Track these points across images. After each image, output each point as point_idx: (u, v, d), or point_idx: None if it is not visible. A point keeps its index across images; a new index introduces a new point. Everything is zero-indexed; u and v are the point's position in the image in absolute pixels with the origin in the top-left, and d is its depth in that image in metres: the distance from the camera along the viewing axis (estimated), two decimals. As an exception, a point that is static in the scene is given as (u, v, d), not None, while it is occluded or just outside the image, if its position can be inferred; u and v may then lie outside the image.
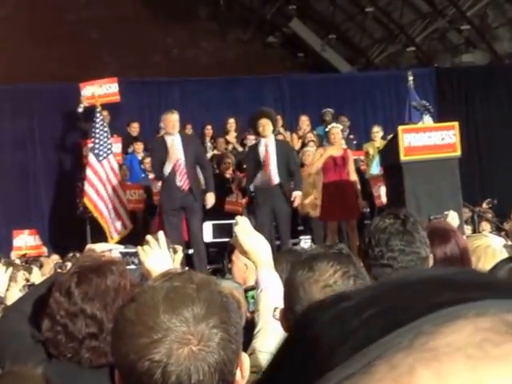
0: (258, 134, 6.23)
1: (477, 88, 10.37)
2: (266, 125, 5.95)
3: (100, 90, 8.01)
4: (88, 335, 1.33)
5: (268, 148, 5.99)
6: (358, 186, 6.65)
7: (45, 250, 7.20)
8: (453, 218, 2.98)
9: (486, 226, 6.74)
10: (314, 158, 6.65)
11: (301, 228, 7.39)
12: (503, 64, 11.20)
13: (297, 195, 6.01)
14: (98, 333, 1.34)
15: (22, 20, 9.90)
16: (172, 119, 5.96)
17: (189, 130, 8.89)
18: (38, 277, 3.67)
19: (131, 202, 7.44)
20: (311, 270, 1.24)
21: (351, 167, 6.52)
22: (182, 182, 5.85)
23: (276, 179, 5.93)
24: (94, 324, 1.34)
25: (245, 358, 0.95)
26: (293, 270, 1.31)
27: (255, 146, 6.25)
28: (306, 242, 3.09)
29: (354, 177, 6.51)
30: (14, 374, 1.18)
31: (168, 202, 5.93)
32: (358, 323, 0.31)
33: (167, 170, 5.83)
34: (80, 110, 8.18)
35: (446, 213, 3.08)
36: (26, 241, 7.03)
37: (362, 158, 8.44)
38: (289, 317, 1.25)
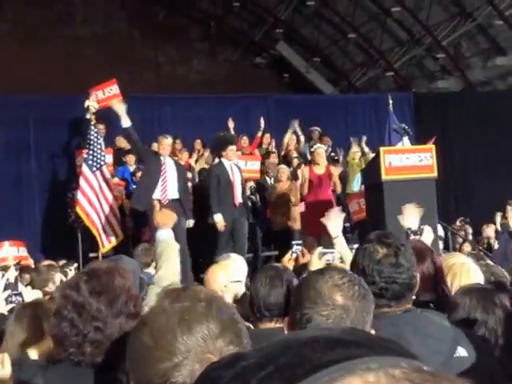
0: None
1: (452, 113, 10.82)
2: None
3: (102, 95, 8.14)
4: (92, 329, 1.38)
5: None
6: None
7: (31, 262, 6.72)
8: (428, 232, 3.13)
9: (467, 248, 7.04)
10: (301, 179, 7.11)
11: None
12: (475, 91, 11.86)
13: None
14: (102, 327, 1.38)
15: (19, 34, 10.12)
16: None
17: (178, 144, 9.15)
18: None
19: (119, 198, 7.56)
20: (322, 274, 1.40)
21: (336, 182, 6.99)
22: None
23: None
24: (98, 318, 1.38)
25: None
26: (303, 277, 1.47)
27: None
28: (297, 248, 3.26)
29: (337, 189, 7.01)
30: None
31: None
32: (257, 382, 0.33)
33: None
34: (88, 116, 8.21)
35: (422, 227, 3.21)
36: (7, 251, 6.71)
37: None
38: (294, 316, 1.34)
